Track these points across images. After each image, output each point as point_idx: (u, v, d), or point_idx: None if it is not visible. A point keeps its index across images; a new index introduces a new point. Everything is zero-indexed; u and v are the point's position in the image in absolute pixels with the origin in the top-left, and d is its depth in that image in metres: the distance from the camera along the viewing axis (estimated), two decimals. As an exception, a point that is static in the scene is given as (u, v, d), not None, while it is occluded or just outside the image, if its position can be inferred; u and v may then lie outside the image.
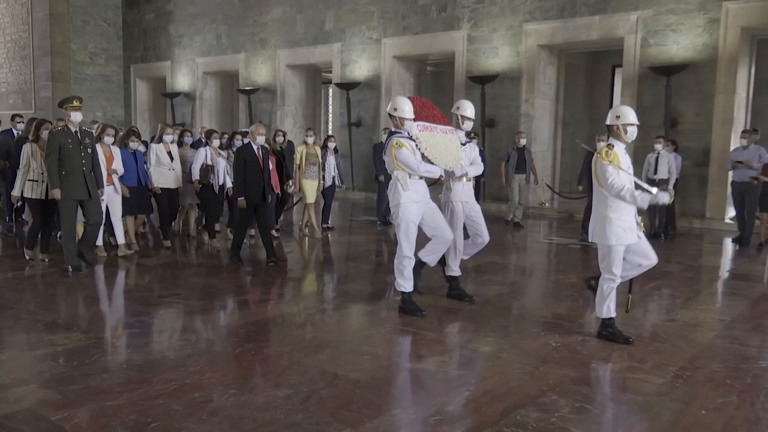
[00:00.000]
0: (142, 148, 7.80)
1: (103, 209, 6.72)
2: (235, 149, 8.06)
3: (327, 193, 9.37)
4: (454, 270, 5.51)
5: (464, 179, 5.40)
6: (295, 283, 6.49)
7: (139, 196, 7.42)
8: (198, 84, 17.57)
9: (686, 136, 10.30)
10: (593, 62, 15.39)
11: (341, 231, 9.64)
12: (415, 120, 5.02)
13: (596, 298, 4.49)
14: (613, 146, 4.30)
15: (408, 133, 4.98)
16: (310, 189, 8.84)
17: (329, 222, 9.61)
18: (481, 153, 6.28)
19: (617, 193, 4.18)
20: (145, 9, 18.71)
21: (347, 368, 3.83)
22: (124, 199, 7.11)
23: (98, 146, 6.71)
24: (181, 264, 7.16)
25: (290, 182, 8.60)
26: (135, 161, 7.35)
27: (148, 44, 18.80)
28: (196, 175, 7.74)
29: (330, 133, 14.95)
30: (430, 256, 5.31)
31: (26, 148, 6.67)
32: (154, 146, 7.70)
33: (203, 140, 8.14)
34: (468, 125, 5.54)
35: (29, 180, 6.60)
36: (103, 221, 6.71)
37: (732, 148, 9.50)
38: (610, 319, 4.42)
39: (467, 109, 5.51)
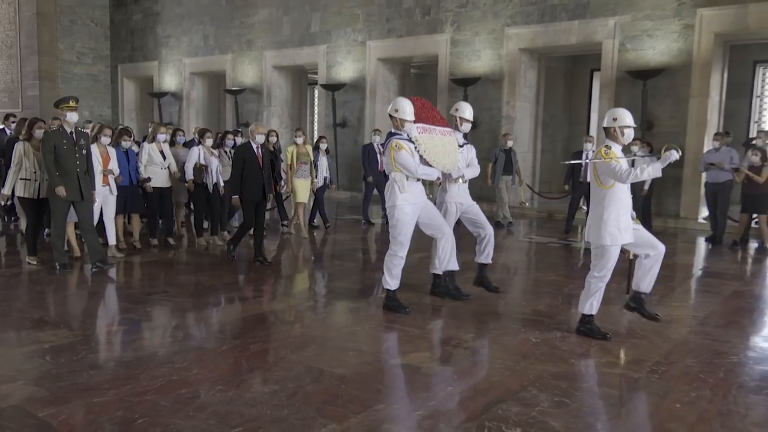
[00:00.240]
0: (135, 148, 7.81)
1: (97, 210, 6.72)
2: (226, 148, 8.11)
3: (318, 193, 9.50)
4: (438, 269, 5.54)
5: (460, 181, 5.47)
6: (282, 281, 6.53)
7: (131, 195, 7.43)
8: (185, 84, 17.52)
9: (662, 138, 10.42)
10: (572, 66, 15.54)
11: (327, 230, 9.69)
12: (415, 122, 5.03)
13: (582, 293, 4.57)
14: (610, 147, 4.40)
15: (407, 135, 5.00)
16: (302, 188, 8.92)
17: (326, 220, 9.78)
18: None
19: (631, 176, 4.20)
20: (133, 9, 18.63)
21: (333, 364, 3.89)
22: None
23: (95, 146, 6.68)
24: (169, 262, 7.17)
25: (282, 182, 8.66)
26: (127, 160, 7.36)
27: (135, 44, 18.72)
28: (189, 174, 7.74)
29: (319, 134, 14.99)
30: (450, 261, 5.38)
31: (18, 147, 6.61)
32: (146, 145, 7.69)
33: (196, 139, 8.13)
34: (467, 127, 5.60)
35: (21, 179, 6.53)
36: (96, 222, 6.69)
37: (705, 150, 9.67)
38: (590, 316, 4.51)
39: (466, 110, 5.57)
